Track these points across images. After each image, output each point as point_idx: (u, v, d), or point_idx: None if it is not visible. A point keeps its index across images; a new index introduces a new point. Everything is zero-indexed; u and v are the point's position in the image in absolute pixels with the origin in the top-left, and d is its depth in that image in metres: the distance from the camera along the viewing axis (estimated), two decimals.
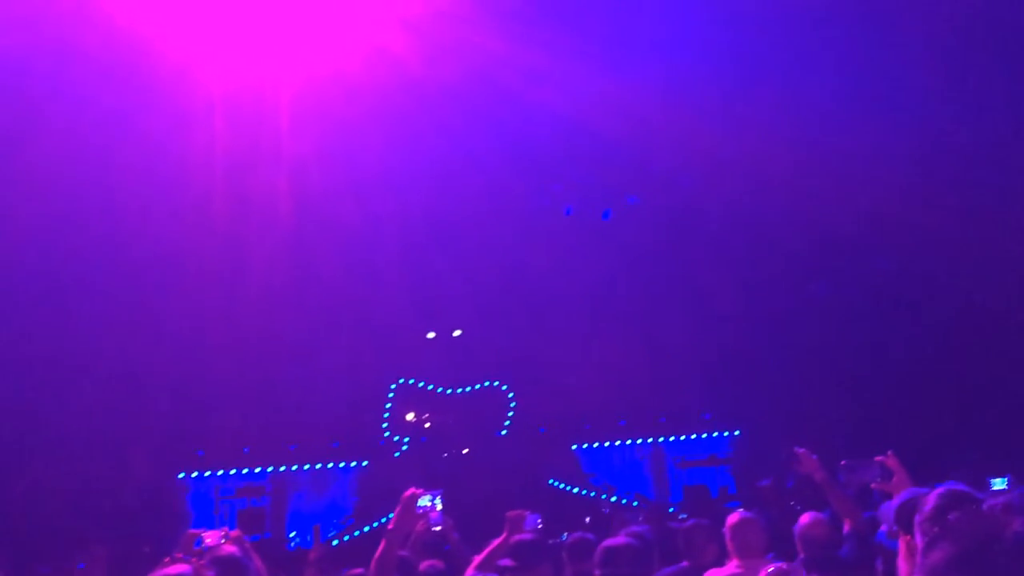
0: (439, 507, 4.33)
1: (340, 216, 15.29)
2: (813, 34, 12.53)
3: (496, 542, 4.81)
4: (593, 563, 4.06)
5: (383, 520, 14.86)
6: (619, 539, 4.02)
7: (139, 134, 12.40)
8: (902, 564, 3.24)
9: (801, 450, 5.02)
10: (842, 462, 4.33)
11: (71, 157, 12.23)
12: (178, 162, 13.04)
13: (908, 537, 3.18)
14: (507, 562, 4.46)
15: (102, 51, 11.00)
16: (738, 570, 4.61)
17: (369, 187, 14.88)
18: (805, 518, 4.97)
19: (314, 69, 11.94)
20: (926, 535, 2.12)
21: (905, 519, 3.21)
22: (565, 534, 9.41)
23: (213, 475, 17.23)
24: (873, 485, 4.25)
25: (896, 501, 3.46)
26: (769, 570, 3.50)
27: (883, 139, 13.13)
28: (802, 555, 4.81)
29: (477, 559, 4.78)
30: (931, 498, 2.76)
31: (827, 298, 16.31)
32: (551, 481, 17.27)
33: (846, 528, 4.91)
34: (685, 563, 5.23)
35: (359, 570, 4.85)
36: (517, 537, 4.62)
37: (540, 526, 5.12)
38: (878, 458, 4.21)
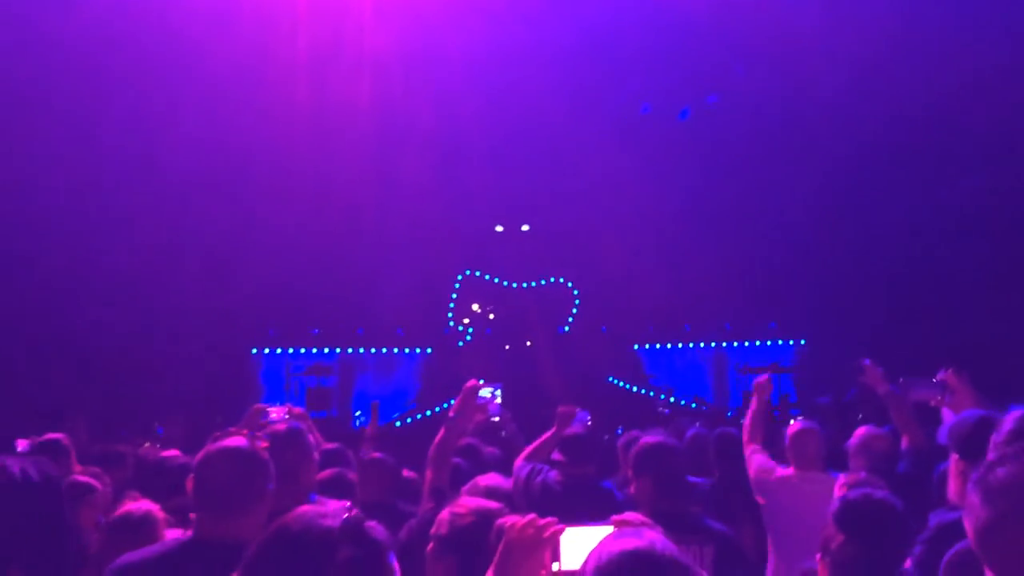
0: (499, 399, 4.41)
1: (418, 108, 15.22)
2: None
3: (545, 435, 4.90)
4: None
5: (444, 406, 15.30)
6: (657, 438, 4.02)
7: (225, 32, 12.47)
8: (952, 482, 3.21)
9: (867, 361, 4.93)
10: (900, 379, 4.24)
11: (156, 56, 12.43)
12: (263, 53, 13.11)
13: (955, 456, 3.16)
14: (558, 456, 4.54)
15: None
16: (794, 478, 4.64)
17: (448, 78, 14.72)
18: (863, 430, 4.94)
19: None
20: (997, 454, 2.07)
21: (956, 438, 3.17)
22: (620, 429, 9.54)
23: (284, 352, 17.87)
24: (933, 402, 4.17)
25: (952, 420, 3.40)
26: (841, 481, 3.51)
27: (979, 48, 12.32)
28: (860, 466, 4.79)
29: (527, 450, 4.88)
30: (1008, 420, 2.70)
31: (905, 215, 15.72)
32: (610, 379, 17.45)
33: (904, 444, 4.86)
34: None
35: (379, 454, 4.99)
36: (569, 432, 4.68)
37: (589, 423, 5.18)
38: (939, 376, 4.11)
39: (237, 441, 2.56)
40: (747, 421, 5.07)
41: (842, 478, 3.63)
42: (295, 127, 14.19)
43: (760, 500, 4.78)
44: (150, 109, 13.30)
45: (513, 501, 3.16)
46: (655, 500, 3.61)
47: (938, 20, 12.22)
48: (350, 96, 14.37)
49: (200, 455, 2.55)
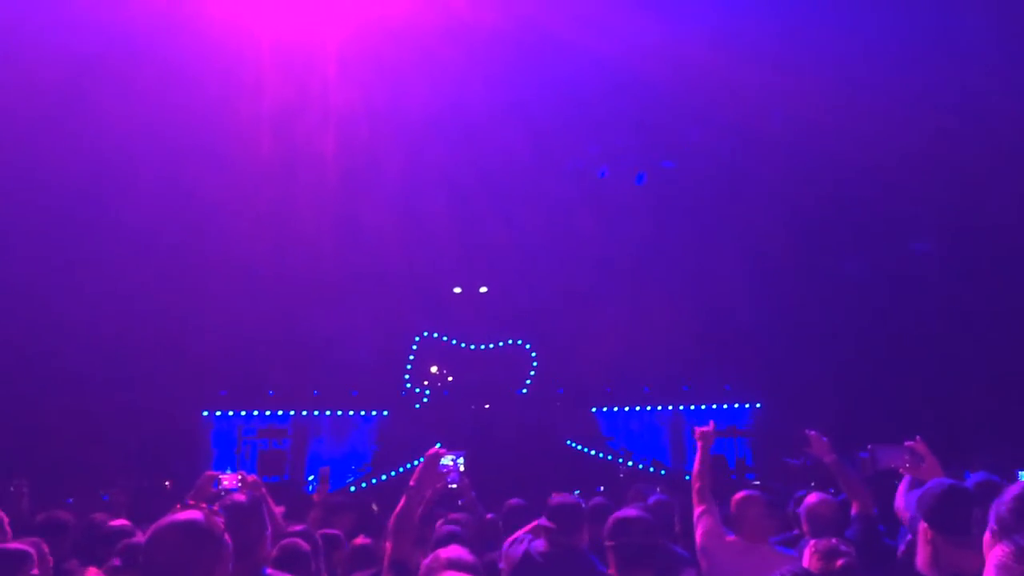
0: (462, 468, 4.31)
1: (378, 167, 15.27)
2: None
3: (538, 522, 4.83)
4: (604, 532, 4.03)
5: (400, 470, 15.04)
6: (631, 511, 3.99)
7: (189, 82, 12.47)
8: (921, 552, 3.21)
9: (812, 432, 5.02)
10: (868, 446, 4.27)
11: (121, 106, 12.36)
12: (225, 109, 13.09)
13: (925, 525, 3.15)
14: (546, 523, 4.44)
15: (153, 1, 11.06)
16: (739, 547, 4.60)
17: (409, 140, 14.83)
18: (812, 497, 4.95)
19: (361, 16, 11.85)
20: (1003, 528, 2.10)
21: (928, 508, 3.18)
22: (577, 491, 9.45)
23: (236, 415, 17.49)
24: (902, 470, 4.20)
25: (921, 488, 3.41)
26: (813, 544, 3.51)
27: (933, 116, 12.75)
28: (807, 532, 4.80)
29: (517, 534, 4.78)
30: (1011, 494, 2.72)
31: (858, 277, 16.06)
32: (568, 442, 17.35)
33: (854, 511, 4.90)
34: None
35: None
36: (558, 499, 4.58)
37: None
38: (907, 443, 4.15)
39: (193, 514, 2.45)
40: (694, 476, 4.98)
41: (812, 543, 3.62)
42: (255, 184, 14.13)
43: (702, 563, 4.73)
44: (109, 165, 13.15)
45: (479, 573, 3.07)
46: (625, 572, 3.56)
47: (892, 84, 12.65)
48: (311, 153, 14.38)
49: (152, 528, 2.44)
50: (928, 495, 3.10)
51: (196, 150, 13.50)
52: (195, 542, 2.37)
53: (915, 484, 4.15)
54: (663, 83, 13.57)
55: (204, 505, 2.49)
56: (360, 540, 5.32)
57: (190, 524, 2.40)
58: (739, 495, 4.86)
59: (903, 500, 4.50)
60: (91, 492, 9.67)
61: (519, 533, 4.74)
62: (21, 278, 13.27)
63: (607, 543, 3.69)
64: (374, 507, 6.90)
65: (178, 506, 2.49)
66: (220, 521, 2.45)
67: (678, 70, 13.04)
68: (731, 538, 4.68)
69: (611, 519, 3.73)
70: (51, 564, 4.20)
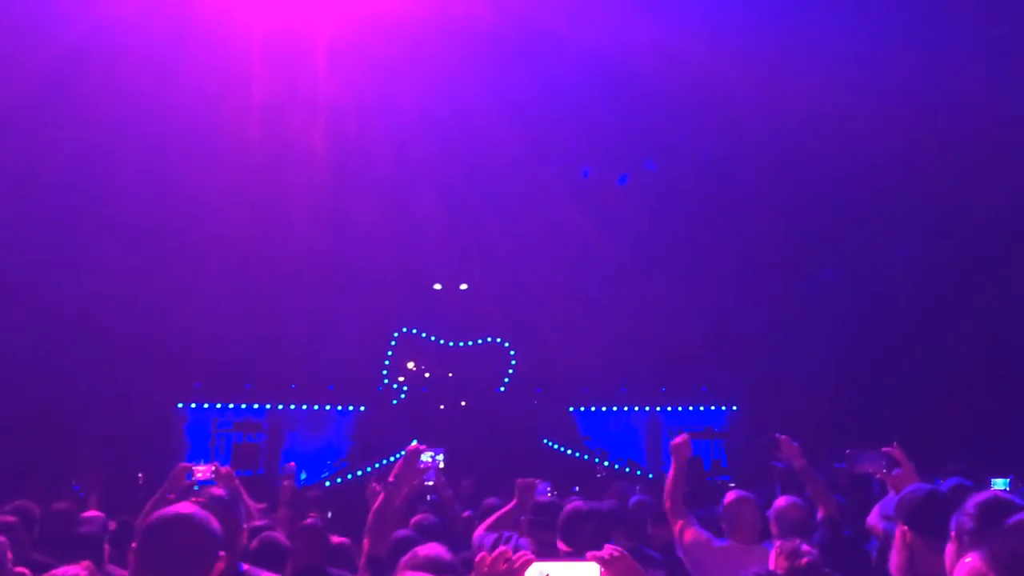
0: (441, 464, 4.31)
1: (364, 162, 15.17)
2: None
3: (506, 507, 4.82)
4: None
5: (376, 465, 14.97)
6: (580, 504, 4.03)
7: (178, 75, 12.35)
8: (894, 555, 3.21)
9: (783, 436, 5.07)
10: (847, 451, 4.30)
11: (109, 97, 12.23)
12: (212, 101, 12.97)
13: (904, 528, 3.16)
14: (529, 519, 4.46)
15: None
16: (734, 551, 4.59)
17: (395, 134, 14.75)
18: (781, 501, 4.98)
19: (351, 10, 11.79)
20: (964, 536, 2.10)
21: (908, 510, 3.19)
22: (550, 492, 9.47)
23: (212, 407, 17.33)
24: (878, 475, 4.24)
25: (900, 493, 3.42)
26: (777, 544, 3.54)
27: (919, 120, 12.83)
28: (775, 535, 4.82)
29: (488, 521, 4.77)
30: (973, 503, 2.72)
31: (836, 283, 16.17)
32: (545, 441, 17.34)
33: (820, 515, 4.97)
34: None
35: (309, 520, 4.94)
36: (540, 500, 4.61)
37: (550, 494, 5.11)
38: (884, 448, 4.19)
39: (189, 507, 2.42)
40: (668, 490, 4.91)
41: (777, 545, 3.64)
42: (238, 175, 13.98)
43: (692, 570, 4.73)
44: (94, 155, 12.98)
45: (458, 572, 3.04)
46: None
47: (879, 87, 12.74)
48: (296, 146, 14.27)
49: (151, 519, 2.38)
50: (909, 498, 3.11)
51: (182, 141, 13.36)
52: (196, 535, 2.32)
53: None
54: (650, 83, 13.61)
55: (195, 499, 2.45)
56: (336, 539, 5.31)
57: (190, 517, 2.36)
58: (731, 496, 4.86)
59: (876, 516, 4.55)
60: (63, 483, 9.55)
61: (489, 521, 4.72)
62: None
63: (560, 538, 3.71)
64: (329, 514, 6.91)
65: (171, 497, 2.45)
66: (211, 515, 2.42)
67: (665, 70, 13.07)
68: (722, 544, 4.67)
69: (562, 513, 3.77)
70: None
